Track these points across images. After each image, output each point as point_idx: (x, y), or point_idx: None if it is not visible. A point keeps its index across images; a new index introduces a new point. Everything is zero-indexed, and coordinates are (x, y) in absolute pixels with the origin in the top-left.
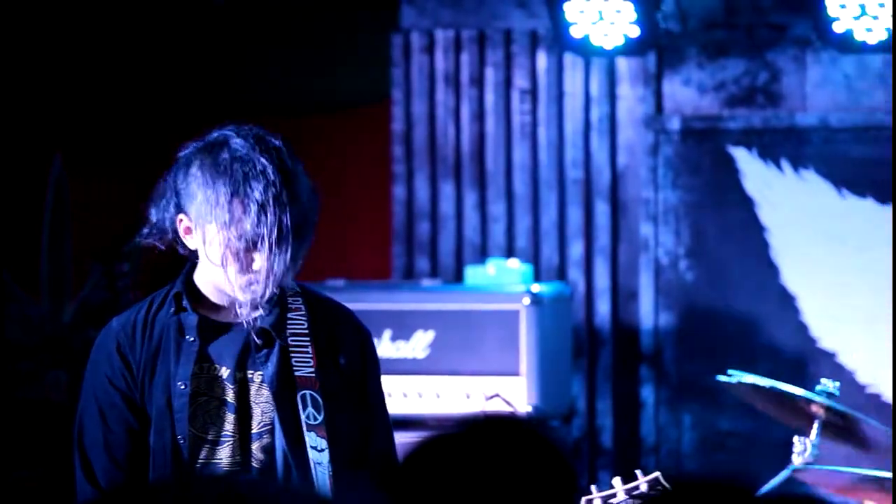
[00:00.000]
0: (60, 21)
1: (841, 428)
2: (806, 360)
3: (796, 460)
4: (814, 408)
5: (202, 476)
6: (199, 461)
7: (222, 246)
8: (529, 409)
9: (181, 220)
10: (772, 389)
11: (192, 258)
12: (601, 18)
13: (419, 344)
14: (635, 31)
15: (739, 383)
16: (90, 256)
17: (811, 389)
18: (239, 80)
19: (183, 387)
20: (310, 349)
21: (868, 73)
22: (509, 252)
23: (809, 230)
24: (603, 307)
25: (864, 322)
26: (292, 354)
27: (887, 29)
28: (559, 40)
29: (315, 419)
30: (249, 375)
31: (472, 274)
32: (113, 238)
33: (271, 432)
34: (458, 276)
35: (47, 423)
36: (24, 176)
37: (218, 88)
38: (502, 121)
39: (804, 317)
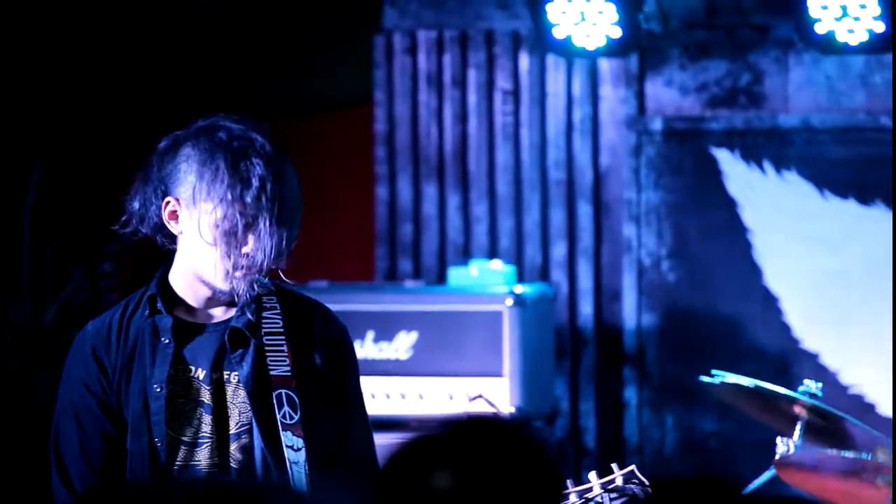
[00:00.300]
0: (42, 25)
1: (823, 429)
2: (788, 361)
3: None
4: (796, 409)
5: (179, 478)
6: (177, 463)
7: (218, 223)
8: (512, 409)
9: (167, 204)
10: (755, 389)
11: (170, 247)
12: (583, 19)
13: (402, 345)
14: (617, 32)
15: (722, 384)
16: (72, 257)
17: (794, 390)
18: (220, 83)
19: (159, 389)
20: (285, 348)
21: (850, 75)
22: (492, 253)
23: (792, 231)
24: (586, 308)
25: (847, 323)
26: (268, 354)
27: (868, 30)
28: (541, 41)
29: (291, 418)
30: (225, 376)
31: (455, 275)
32: (95, 239)
33: (249, 432)
34: (441, 278)
35: (32, 422)
36: (5, 179)
37: (199, 91)
38: (485, 122)
39: (787, 318)
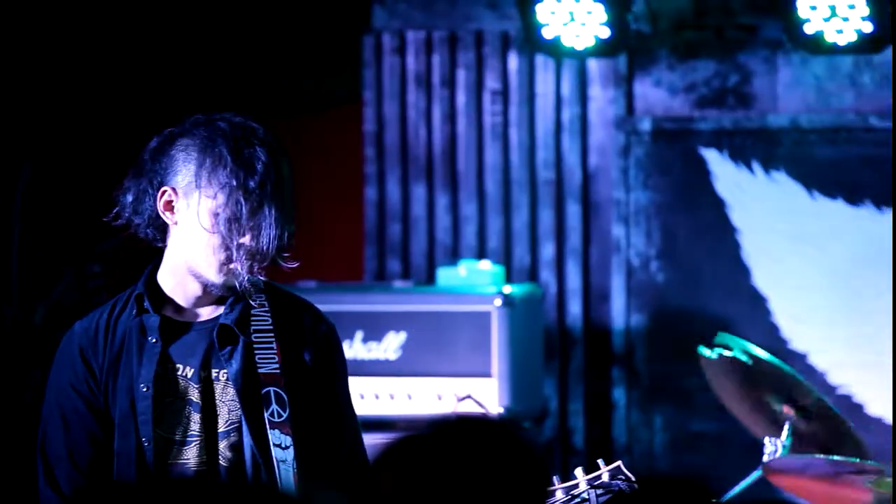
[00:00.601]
0: (29, 27)
1: (811, 432)
2: None
3: (767, 462)
4: (785, 409)
5: (165, 478)
6: (165, 463)
7: (219, 210)
8: (501, 410)
9: (163, 194)
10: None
11: (160, 244)
12: (572, 19)
13: (391, 345)
14: (606, 33)
15: (720, 357)
16: (61, 258)
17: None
18: (208, 82)
19: (146, 389)
20: (274, 345)
21: (838, 75)
22: (481, 253)
23: (780, 231)
24: (574, 308)
25: (835, 323)
26: (256, 351)
27: (857, 30)
28: (530, 41)
29: (280, 416)
30: (214, 374)
31: (444, 275)
32: (84, 239)
33: (238, 430)
34: (430, 278)
35: (22, 423)
36: None
37: (187, 90)
38: (474, 122)
39: (775, 318)
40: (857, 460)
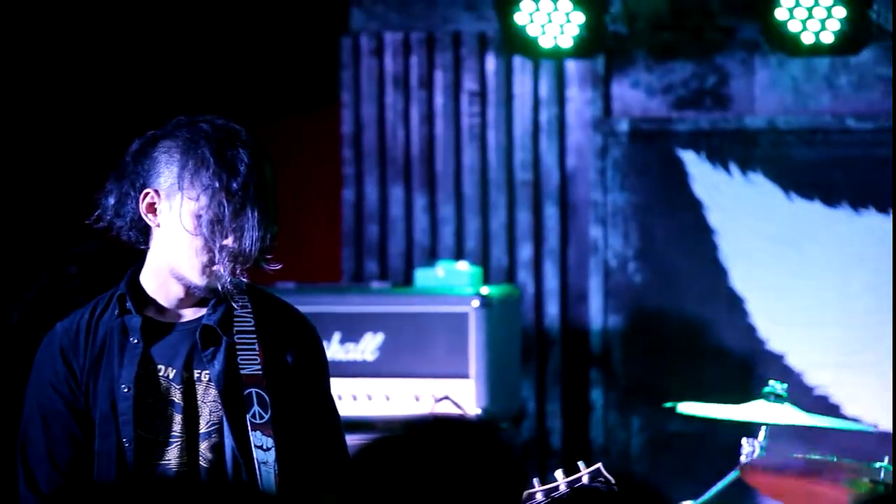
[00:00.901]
0: (3, 26)
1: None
2: (754, 362)
3: (744, 462)
4: (763, 411)
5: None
6: (146, 463)
7: (201, 212)
8: (479, 411)
9: (146, 196)
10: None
11: (142, 246)
12: (550, 21)
13: (368, 346)
14: (583, 34)
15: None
16: (38, 259)
17: (759, 391)
18: (185, 85)
19: (126, 390)
20: (256, 347)
21: (815, 77)
22: (458, 254)
23: (758, 232)
24: (552, 309)
25: (812, 324)
26: (239, 352)
27: (834, 32)
28: (508, 43)
29: (261, 417)
30: (196, 375)
31: (422, 276)
32: (61, 241)
33: (219, 431)
34: (408, 279)
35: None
36: None
37: (164, 93)
38: (451, 123)
39: (752, 319)
40: (835, 459)
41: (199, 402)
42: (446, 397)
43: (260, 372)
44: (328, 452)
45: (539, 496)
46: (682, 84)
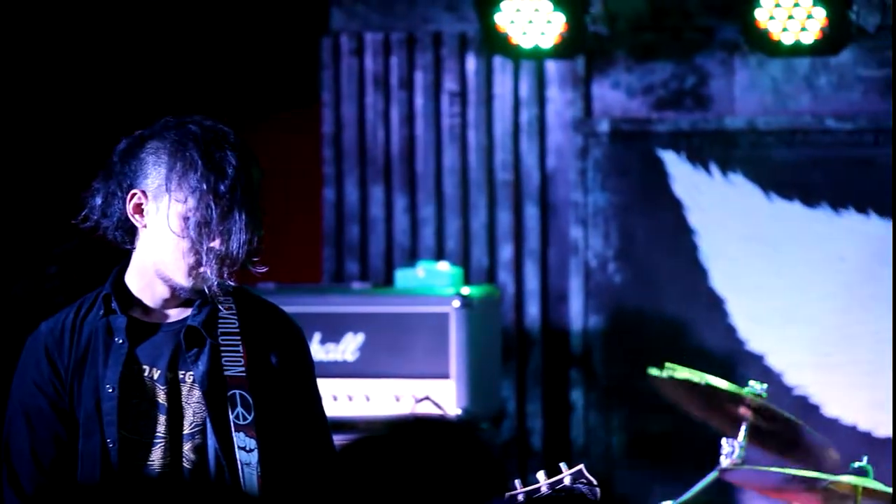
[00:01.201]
0: None
1: (769, 431)
2: (734, 363)
3: (724, 462)
4: (741, 410)
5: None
6: (130, 464)
7: (189, 214)
8: (459, 411)
9: (133, 196)
10: (704, 387)
11: (128, 246)
12: (530, 21)
13: (349, 347)
14: (564, 34)
15: (671, 378)
16: (18, 259)
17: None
18: (165, 84)
19: (111, 390)
20: (240, 348)
21: (795, 77)
22: (439, 255)
23: (737, 233)
24: (532, 310)
25: (793, 324)
26: (223, 354)
27: (814, 33)
28: (488, 43)
29: (245, 419)
30: (181, 376)
31: (402, 277)
32: (41, 241)
33: (203, 433)
34: (388, 279)
35: None
36: None
37: (144, 93)
38: (432, 123)
39: (732, 319)
40: (815, 474)
41: (182, 403)
42: (427, 398)
43: (244, 373)
44: (315, 453)
45: (521, 497)
46: (662, 85)
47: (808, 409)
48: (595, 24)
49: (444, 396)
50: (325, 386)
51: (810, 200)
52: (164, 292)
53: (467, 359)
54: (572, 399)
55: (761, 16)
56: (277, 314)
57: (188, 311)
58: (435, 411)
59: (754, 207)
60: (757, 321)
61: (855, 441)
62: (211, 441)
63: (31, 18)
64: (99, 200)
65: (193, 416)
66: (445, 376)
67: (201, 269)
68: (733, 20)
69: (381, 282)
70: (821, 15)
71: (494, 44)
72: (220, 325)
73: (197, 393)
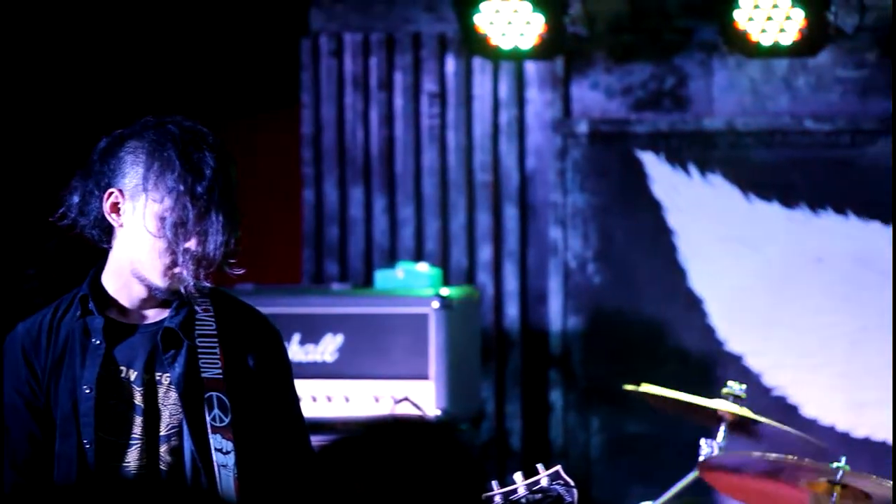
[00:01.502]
0: None
1: (747, 431)
2: (713, 363)
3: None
4: (720, 411)
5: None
6: (107, 465)
7: (165, 214)
8: (438, 412)
9: (110, 195)
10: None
11: (105, 245)
12: (509, 22)
13: (328, 348)
14: (543, 35)
15: (645, 394)
16: None
17: (718, 392)
18: (147, 84)
19: (88, 391)
20: (217, 350)
21: (773, 78)
22: (418, 255)
23: (716, 234)
24: (512, 310)
25: (771, 325)
26: (200, 356)
27: (792, 34)
28: (468, 44)
29: (221, 421)
30: (157, 377)
31: (382, 278)
32: (19, 242)
33: (179, 435)
34: (368, 280)
35: None
36: None
37: (123, 93)
38: (411, 124)
39: (711, 320)
40: (795, 458)
41: (159, 405)
42: (406, 398)
43: (221, 375)
44: (293, 455)
45: (497, 499)
46: (641, 86)
47: (786, 409)
48: (574, 25)
49: (423, 397)
50: (304, 387)
51: (789, 201)
52: (140, 292)
53: (446, 360)
54: (551, 400)
55: (740, 17)
56: (255, 316)
57: (166, 313)
58: (414, 412)
59: (733, 208)
60: (735, 322)
61: (833, 441)
62: (187, 443)
63: (9, 17)
64: (77, 198)
65: (170, 417)
66: (424, 377)
67: (177, 270)
68: (712, 21)
69: (360, 283)
70: (799, 16)
71: (474, 45)
72: (197, 327)
73: (173, 394)
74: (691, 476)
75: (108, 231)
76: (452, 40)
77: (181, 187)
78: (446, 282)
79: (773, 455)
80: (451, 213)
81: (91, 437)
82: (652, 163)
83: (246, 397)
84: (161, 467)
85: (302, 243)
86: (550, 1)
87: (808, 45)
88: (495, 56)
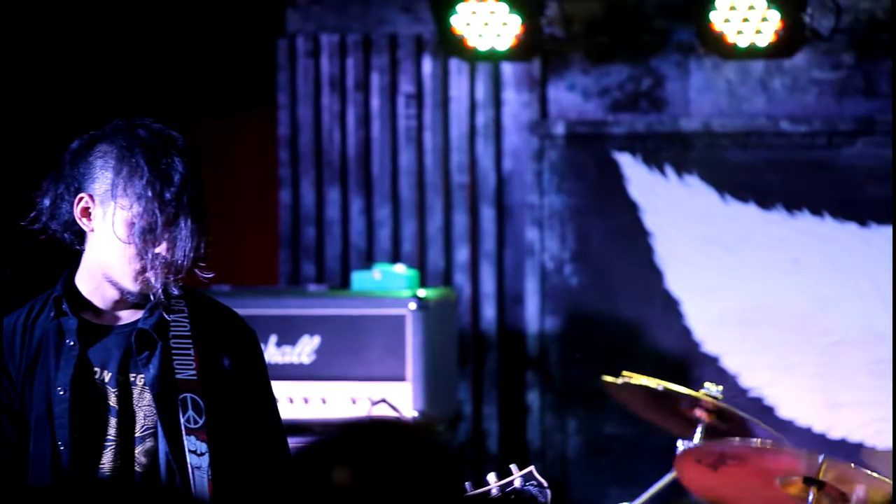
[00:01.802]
0: None
1: (725, 432)
2: (690, 364)
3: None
4: (697, 412)
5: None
6: (82, 467)
7: (134, 220)
8: (415, 413)
9: (80, 200)
10: (660, 391)
11: (78, 247)
12: (486, 24)
13: (305, 349)
14: (520, 37)
15: (626, 384)
16: None
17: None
18: (120, 85)
19: (62, 392)
20: (192, 352)
21: (750, 79)
22: (395, 257)
23: (693, 235)
24: (489, 312)
25: (748, 326)
26: (174, 357)
27: (768, 36)
28: (444, 45)
29: (196, 422)
30: (132, 378)
31: (358, 279)
32: None
33: (154, 436)
34: (345, 282)
35: None
36: None
37: (99, 93)
38: (388, 125)
39: (688, 321)
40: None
41: (133, 406)
42: (383, 400)
43: (195, 376)
44: (269, 456)
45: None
46: (618, 87)
47: (763, 410)
48: (551, 26)
49: (400, 399)
50: (281, 388)
51: (765, 202)
52: (113, 295)
53: (423, 361)
54: (528, 401)
55: (716, 19)
56: (230, 316)
57: (140, 314)
58: (391, 414)
59: (709, 209)
60: (712, 323)
61: (810, 442)
62: (162, 444)
63: None
64: (48, 202)
65: (144, 419)
66: (402, 378)
67: (147, 275)
68: (688, 23)
69: (337, 284)
70: (775, 18)
71: (450, 46)
72: (171, 328)
73: (148, 396)
74: (668, 477)
75: (80, 234)
76: (429, 41)
77: (149, 193)
78: (423, 283)
79: (752, 440)
80: (428, 215)
81: (65, 438)
82: (629, 164)
83: (221, 398)
84: (135, 469)
85: (278, 244)
86: (527, 2)
87: (784, 46)
88: (472, 57)
